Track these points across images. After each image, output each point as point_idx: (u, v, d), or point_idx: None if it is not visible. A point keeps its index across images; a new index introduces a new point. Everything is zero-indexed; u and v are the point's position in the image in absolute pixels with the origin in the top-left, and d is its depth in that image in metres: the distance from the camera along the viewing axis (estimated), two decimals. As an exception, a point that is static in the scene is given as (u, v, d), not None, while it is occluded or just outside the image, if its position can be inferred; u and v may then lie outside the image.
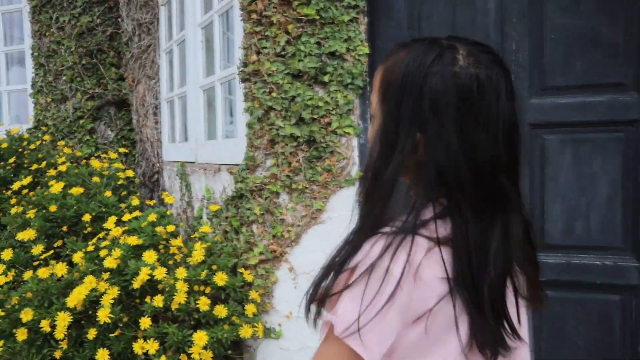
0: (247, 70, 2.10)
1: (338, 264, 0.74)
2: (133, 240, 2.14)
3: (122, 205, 2.77)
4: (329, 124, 2.01)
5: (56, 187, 2.56)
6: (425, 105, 0.70)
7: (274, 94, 2.04)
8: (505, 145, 0.72)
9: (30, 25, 4.15)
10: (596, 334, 1.92)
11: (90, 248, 2.16)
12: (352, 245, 0.75)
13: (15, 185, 2.77)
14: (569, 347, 1.95)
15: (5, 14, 4.43)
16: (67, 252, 2.35)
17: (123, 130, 4.06)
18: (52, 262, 2.22)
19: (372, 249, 0.72)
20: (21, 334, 1.94)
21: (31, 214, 2.43)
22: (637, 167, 1.85)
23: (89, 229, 2.55)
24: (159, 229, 2.18)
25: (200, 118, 2.74)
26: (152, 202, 3.09)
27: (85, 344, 1.98)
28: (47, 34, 4.03)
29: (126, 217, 2.39)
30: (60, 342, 1.93)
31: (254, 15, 2.06)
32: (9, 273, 2.09)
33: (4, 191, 3.06)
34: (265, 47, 2.06)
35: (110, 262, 2.05)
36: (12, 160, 3.18)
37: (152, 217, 2.32)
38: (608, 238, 1.88)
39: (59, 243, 2.45)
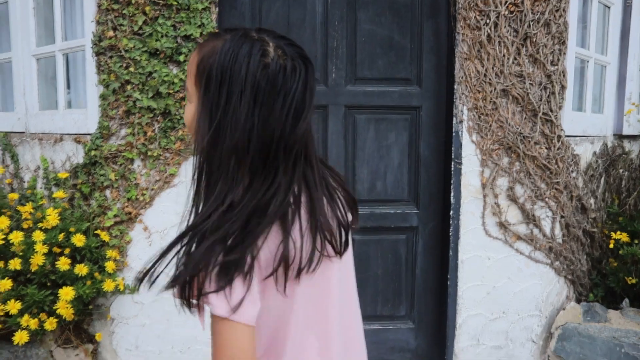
0: (102, 45, 2.24)
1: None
2: (-22, 207, 2.13)
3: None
4: (183, 98, 2.28)
5: None
6: (237, 90, 0.80)
7: (131, 69, 2.23)
8: (293, 123, 0.83)
9: None
10: (389, 264, 2.57)
11: None
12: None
13: None
14: (372, 276, 2.57)
15: None
16: None
17: None
18: None
19: None
20: None
21: None
22: (417, 141, 2.53)
23: None
24: (11, 195, 2.20)
25: (33, 87, 2.71)
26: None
27: None
28: None
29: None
30: None
31: (110, -7, 2.21)
32: None
33: None
34: (122, 25, 2.23)
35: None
36: None
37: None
38: (398, 193, 2.54)
39: None
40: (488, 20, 2.34)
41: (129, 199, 2.32)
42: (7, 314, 1.99)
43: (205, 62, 0.83)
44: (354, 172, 2.51)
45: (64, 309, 2.02)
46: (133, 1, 2.21)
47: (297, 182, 0.86)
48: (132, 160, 2.31)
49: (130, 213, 2.32)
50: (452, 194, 2.46)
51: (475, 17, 2.34)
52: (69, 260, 2.10)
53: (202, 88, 0.83)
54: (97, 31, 2.26)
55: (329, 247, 0.89)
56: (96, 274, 2.16)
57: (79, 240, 2.14)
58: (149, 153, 2.29)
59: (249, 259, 0.78)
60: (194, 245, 0.80)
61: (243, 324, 0.78)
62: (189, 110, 0.89)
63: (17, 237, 2.04)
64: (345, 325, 0.97)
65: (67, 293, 2.01)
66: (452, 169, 2.45)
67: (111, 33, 2.23)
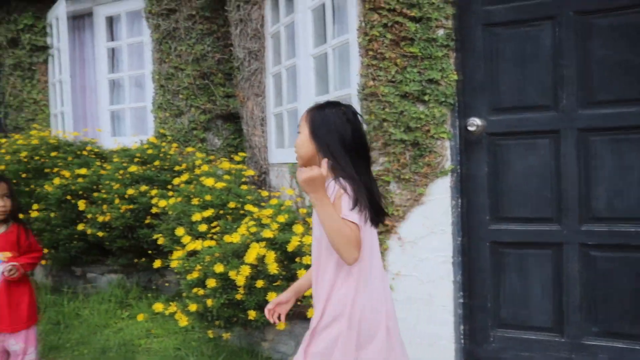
0: (365, 92, 2.87)
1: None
2: (281, 218, 2.93)
3: (249, 197, 3.57)
4: (429, 130, 2.75)
5: (208, 182, 3.38)
6: (334, 125, 1.61)
7: (387, 110, 2.80)
8: (363, 144, 1.68)
9: (152, 54, 5.04)
10: (635, 282, 2.59)
11: (252, 223, 2.95)
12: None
13: (176, 181, 3.60)
14: (616, 293, 2.62)
15: (132, 45, 5.35)
16: (220, 229, 3.15)
17: (228, 139, 4.90)
18: (215, 236, 3.04)
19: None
20: (211, 282, 2.74)
21: (195, 201, 3.25)
22: (661, 159, 2.52)
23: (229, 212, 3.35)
24: (301, 210, 2.96)
25: (313, 128, 3.51)
26: (266, 194, 3.89)
27: (254, 290, 2.76)
28: (166, 60, 4.91)
29: (262, 211, 3.18)
30: (239, 288, 2.72)
31: (371, 52, 2.83)
32: (196, 241, 2.90)
33: (151, 186, 3.91)
34: (380, 75, 2.82)
35: (267, 234, 2.83)
36: (157, 163, 4.04)
37: (288, 202, 3.10)
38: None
39: (214, 224, 3.25)
40: None
41: (386, 214, 2.87)
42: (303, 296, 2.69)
43: (315, 118, 1.65)
44: (588, 191, 2.62)
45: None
46: (387, 56, 2.79)
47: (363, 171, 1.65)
48: (388, 182, 2.87)
49: (387, 225, 2.87)
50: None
51: None
52: (342, 260, 2.72)
53: (310, 130, 1.64)
54: (361, 82, 2.90)
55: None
56: (362, 272, 2.75)
57: (349, 245, 2.76)
58: (402, 176, 2.81)
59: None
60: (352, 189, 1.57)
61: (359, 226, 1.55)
62: (300, 138, 1.68)
63: (308, 240, 2.75)
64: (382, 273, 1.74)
65: (342, 284, 2.62)
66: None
67: (371, 82, 2.84)
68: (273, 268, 2.65)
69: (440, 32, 2.73)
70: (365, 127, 2.86)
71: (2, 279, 2.67)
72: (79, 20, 5.86)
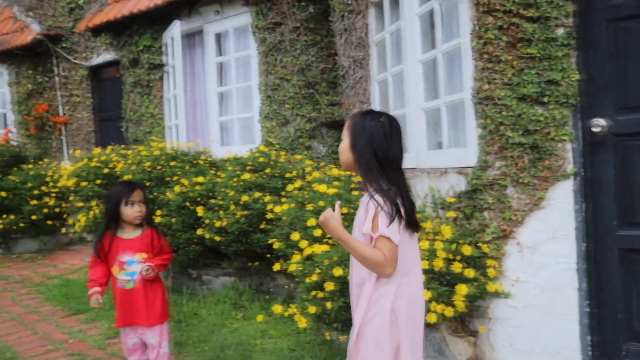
0: (480, 96, 2.84)
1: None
2: (395, 223, 2.96)
3: (358, 203, 3.63)
4: (548, 133, 2.67)
5: (321, 188, 3.48)
6: (371, 138, 1.79)
7: (503, 113, 2.75)
8: (398, 151, 1.83)
9: (258, 66, 5.29)
10: None
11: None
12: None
13: (289, 187, 3.76)
14: None
15: (239, 59, 5.65)
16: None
17: (333, 146, 5.01)
18: (330, 240, 3.12)
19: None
20: (329, 285, 2.82)
21: (309, 207, 3.37)
22: None
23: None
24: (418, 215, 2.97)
25: (422, 133, 3.52)
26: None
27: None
28: (272, 72, 5.13)
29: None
30: (356, 292, 2.78)
31: (486, 56, 2.80)
32: (314, 245, 3.01)
33: (263, 193, 4.09)
34: (495, 79, 2.78)
35: (382, 238, 2.88)
36: (268, 170, 4.22)
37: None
38: None
39: (318, 233, 3.35)
40: None
41: (503, 219, 2.81)
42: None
43: (355, 125, 1.84)
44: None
45: (459, 301, 2.63)
46: (503, 58, 2.74)
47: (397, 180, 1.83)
48: (505, 187, 2.81)
49: (504, 230, 2.81)
50: None
51: None
52: (461, 265, 2.71)
53: (351, 137, 1.85)
54: (475, 86, 2.87)
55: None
56: (480, 278, 2.72)
57: (467, 250, 2.74)
58: (520, 180, 2.75)
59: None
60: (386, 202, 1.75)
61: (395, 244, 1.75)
62: (342, 145, 1.89)
63: (424, 245, 2.76)
64: (417, 270, 1.94)
65: (462, 289, 2.61)
66: None
67: (486, 86, 2.81)
68: (390, 272, 2.69)
69: (560, 31, 2.65)
70: (480, 131, 2.83)
71: (140, 277, 2.91)
72: (190, 39, 6.28)
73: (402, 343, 1.87)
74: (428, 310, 2.69)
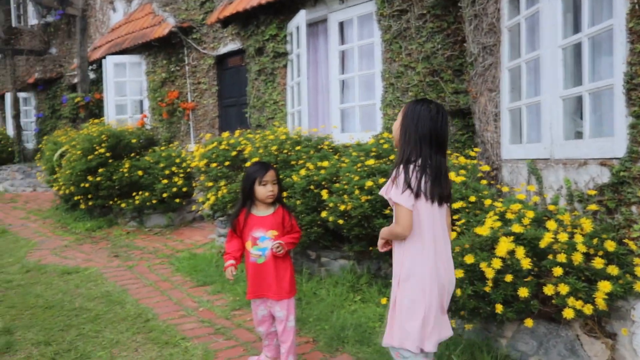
0: (634, 82, 2.65)
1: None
2: (530, 214, 2.86)
3: (485, 192, 3.55)
4: None
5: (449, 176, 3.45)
6: (418, 118, 2.15)
7: (661, 100, 2.55)
8: (445, 133, 2.18)
9: (381, 54, 5.32)
10: None
11: (495, 218, 2.95)
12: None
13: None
14: None
15: (362, 47, 5.72)
16: (464, 221, 3.19)
17: (456, 135, 4.93)
18: (457, 228, 3.09)
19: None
20: (458, 273, 2.80)
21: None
22: None
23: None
24: (550, 207, 2.86)
25: (559, 122, 3.36)
26: (506, 189, 3.82)
27: (501, 284, 2.76)
28: (396, 59, 5.13)
29: (510, 205, 3.13)
30: (487, 280, 2.74)
31: (643, 38, 2.61)
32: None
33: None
34: (653, 63, 2.58)
35: (516, 228, 2.80)
36: (392, 157, 4.25)
37: (521, 196, 3.02)
38: None
39: (456, 217, 3.32)
40: None
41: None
42: (549, 296, 2.61)
43: (407, 112, 2.18)
44: None
45: (600, 299, 2.49)
46: (665, 41, 2.54)
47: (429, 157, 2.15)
48: (658, 180, 2.61)
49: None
50: None
51: None
52: (602, 261, 2.57)
53: (403, 120, 2.19)
54: (629, 71, 2.69)
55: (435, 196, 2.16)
56: (627, 276, 2.55)
57: (610, 245, 2.59)
58: (677, 174, 2.54)
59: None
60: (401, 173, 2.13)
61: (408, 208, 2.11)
62: (395, 125, 2.25)
63: (563, 237, 2.65)
64: (436, 239, 2.19)
65: (605, 286, 2.48)
66: None
67: (642, 71, 2.61)
68: (526, 263, 2.62)
69: None
70: (631, 120, 2.65)
71: (270, 253, 3.06)
72: (313, 27, 6.45)
73: (428, 310, 2.17)
74: (565, 306, 2.58)
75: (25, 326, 3.95)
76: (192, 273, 5.41)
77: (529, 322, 2.73)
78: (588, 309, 2.55)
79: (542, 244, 2.68)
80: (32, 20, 15.43)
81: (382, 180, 4.02)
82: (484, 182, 3.53)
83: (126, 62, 10.03)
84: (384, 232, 2.26)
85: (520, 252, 2.68)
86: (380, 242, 2.33)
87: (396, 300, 2.24)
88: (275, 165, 4.85)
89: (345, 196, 4.12)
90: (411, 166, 2.10)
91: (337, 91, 6.03)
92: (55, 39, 14.88)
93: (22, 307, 4.40)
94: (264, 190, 3.06)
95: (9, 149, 14.45)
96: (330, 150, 4.99)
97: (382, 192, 2.21)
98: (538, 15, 3.58)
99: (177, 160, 7.73)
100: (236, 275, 3.12)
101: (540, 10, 3.53)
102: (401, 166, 2.10)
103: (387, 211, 3.89)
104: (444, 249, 2.24)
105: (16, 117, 14.26)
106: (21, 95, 15.17)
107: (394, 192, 2.10)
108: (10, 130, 14.93)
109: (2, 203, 11.59)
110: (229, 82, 8.98)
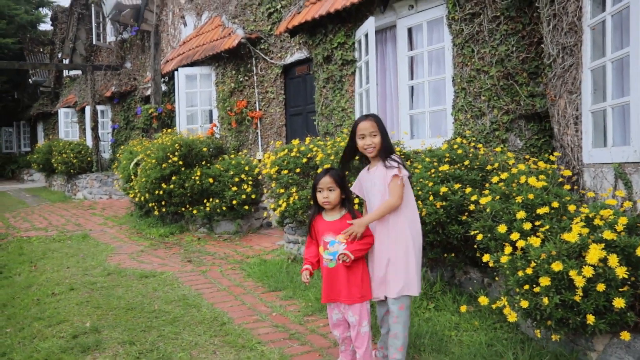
0: None
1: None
2: (623, 220, 2.71)
3: (568, 198, 3.39)
4: None
5: (531, 181, 3.33)
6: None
7: None
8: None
9: (452, 59, 5.23)
10: None
11: (582, 224, 2.81)
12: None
13: (494, 179, 3.67)
14: None
15: (431, 52, 5.65)
16: (547, 228, 3.06)
17: (531, 140, 4.76)
18: (540, 234, 2.97)
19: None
20: (544, 281, 2.69)
21: (519, 199, 3.24)
22: None
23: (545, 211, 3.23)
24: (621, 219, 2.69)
25: (651, 123, 3.17)
26: (592, 194, 3.64)
27: (591, 294, 2.62)
28: (468, 63, 5.03)
29: (600, 211, 2.98)
30: (577, 289, 2.61)
31: None
32: (533, 238, 2.90)
33: (462, 185, 4.04)
34: None
35: (608, 235, 2.65)
36: (466, 162, 4.16)
37: (611, 201, 2.85)
38: None
39: (538, 222, 3.18)
40: None
41: None
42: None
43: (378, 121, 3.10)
44: None
45: None
46: None
47: None
48: None
49: None
50: None
51: None
52: None
53: (380, 131, 3.06)
54: None
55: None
56: None
57: None
58: None
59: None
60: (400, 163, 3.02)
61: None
62: (378, 137, 3.05)
63: (659, 244, 2.49)
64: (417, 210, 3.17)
65: None
66: None
67: None
68: (621, 272, 2.48)
69: None
70: None
71: (339, 260, 3.04)
72: (381, 34, 6.43)
73: (417, 265, 3.04)
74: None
75: (111, 326, 4.14)
76: (263, 279, 5.49)
77: (625, 335, 2.58)
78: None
79: (639, 251, 2.53)
80: (110, 37, 16.33)
81: (457, 185, 3.94)
82: (567, 187, 3.38)
83: (197, 73, 10.40)
84: (381, 212, 2.99)
85: (614, 260, 2.54)
86: (358, 233, 3.00)
87: (411, 255, 2.99)
88: (347, 172, 4.85)
89: (419, 202, 4.06)
90: (395, 155, 3.03)
91: (407, 97, 5.98)
92: (130, 54, 15.67)
93: (106, 308, 4.62)
94: (320, 196, 3.11)
95: (88, 159, 15.29)
96: (402, 156, 4.94)
97: (386, 177, 2.98)
98: (627, 11, 3.41)
99: (246, 168, 7.90)
100: (311, 280, 3.14)
101: (630, 5, 3.35)
102: (394, 155, 3.03)
103: (463, 217, 3.81)
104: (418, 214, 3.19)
105: (94, 128, 15.09)
106: (99, 108, 16.05)
107: (404, 171, 2.98)
108: (89, 141, 15.80)
109: (82, 210, 12.26)
110: (294, 91, 9.12)
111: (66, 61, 18.29)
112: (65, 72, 19.99)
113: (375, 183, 3.06)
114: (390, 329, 3.09)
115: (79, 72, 18.22)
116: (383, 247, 3.05)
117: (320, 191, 3.09)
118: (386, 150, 3.04)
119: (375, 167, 3.08)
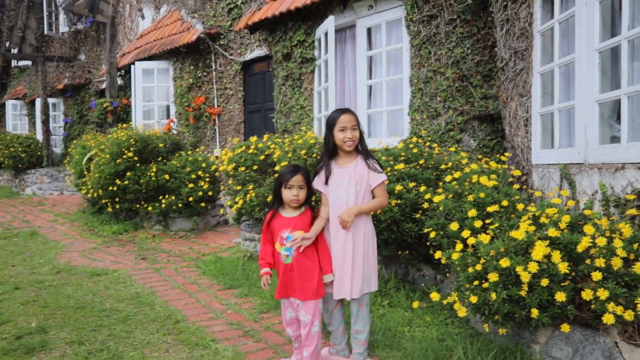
0: (675, 85, 2.61)
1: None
2: (566, 218, 2.83)
3: (517, 197, 3.51)
4: None
5: (482, 180, 3.42)
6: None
7: None
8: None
9: (409, 59, 5.32)
10: None
11: (529, 222, 2.92)
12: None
13: (448, 178, 3.75)
14: None
15: (389, 52, 5.73)
16: (497, 226, 3.16)
17: (484, 140, 4.89)
18: (490, 232, 3.06)
19: None
20: (493, 276, 2.77)
21: (470, 198, 3.33)
22: None
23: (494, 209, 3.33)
24: (587, 211, 2.82)
25: (594, 127, 3.31)
26: (539, 194, 3.78)
27: (536, 289, 2.72)
28: (425, 64, 5.12)
29: (545, 209, 3.09)
30: (522, 285, 2.70)
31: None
32: (483, 235, 2.98)
33: (416, 184, 4.12)
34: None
35: (552, 232, 2.76)
36: (421, 161, 4.24)
37: (556, 200, 2.98)
38: None
39: (488, 220, 3.28)
40: None
41: None
42: (585, 302, 2.57)
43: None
44: None
45: (643, 305, 2.44)
46: None
47: None
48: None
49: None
50: None
51: None
52: (645, 266, 2.52)
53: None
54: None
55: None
56: (668, 282, 2.50)
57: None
58: None
59: None
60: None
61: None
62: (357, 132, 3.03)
63: (601, 241, 2.61)
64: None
65: (647, 293, 2.43)
66: None
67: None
68: (563, 267, 2.58)
69: None
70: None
71: (296, 253, 3.04)
72: (341, 33, 6.48)
73: (374, 262, 3.19)
74: (605, 311, 2.54)
75: (59, 326, 4.02)
76: (219, 276, 5.44)
77: (565, 327, 2.69)
78: (629, 315, 2.50)
79: (580, 248, 2.64)
80: (63, 27, 15.80)
81: (412, 184, 4.01)
82: (516, 186, 3.50)
83: (154, 67, 10.20)
84: (372, 208, 3.11)
85: (557, 256, 2.65)
86: (349, 222, 3.01)
87: (370, 253, 3.11)
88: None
89: (374, 200, 4.11)
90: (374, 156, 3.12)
91: (365, 96, 6.04)
92: (85, 45, 15.21)
93: (54, 307, 4.47)
94: (289, 193, 3.05)
95: (38, 153, 14.76)
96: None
97: (370, 178, 3.04)
98: (572, 19, 3.55)
99: (203, 165, 7.80)
100: (270, 284, 3.12)
101: (575, 14, 3.50)
102: (374, 158, 3.11)
103: (417, 215, 3.88)
104: None
105: (45, 122, 14.58)
106: (50, 100, 15.51)
107: (382, 175, 3.07)
108: (39, 135, 15.26)
109: (31, 206, 11.83)
110: (254, 88, 9.07)
111: (15, 51, 17.57)
112: (14, 62, 19.21)
113: (347, 178, 3.01)
114: (352, 325, 3.20)
115: (29, 62, 17.56)
116: (343, 245, 3.06)
117: (290, 188, 3.05)
118: (364, 148, 3.06)
119: (354, 163, 3.02)
